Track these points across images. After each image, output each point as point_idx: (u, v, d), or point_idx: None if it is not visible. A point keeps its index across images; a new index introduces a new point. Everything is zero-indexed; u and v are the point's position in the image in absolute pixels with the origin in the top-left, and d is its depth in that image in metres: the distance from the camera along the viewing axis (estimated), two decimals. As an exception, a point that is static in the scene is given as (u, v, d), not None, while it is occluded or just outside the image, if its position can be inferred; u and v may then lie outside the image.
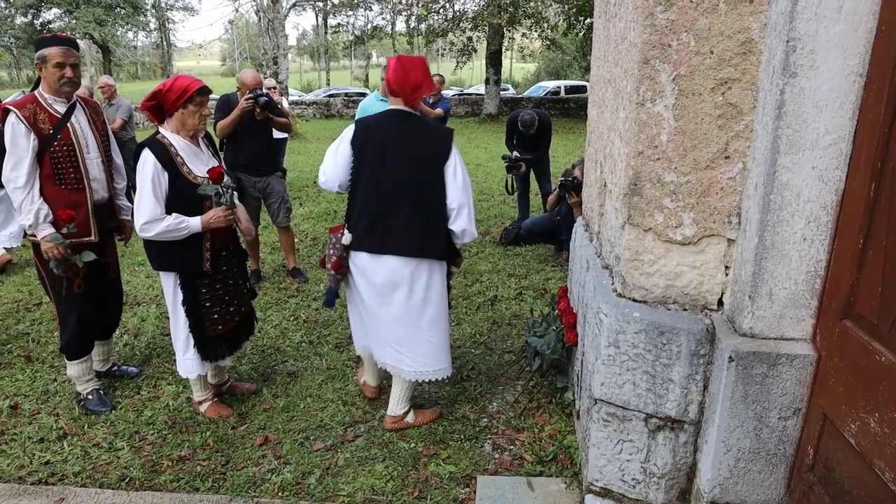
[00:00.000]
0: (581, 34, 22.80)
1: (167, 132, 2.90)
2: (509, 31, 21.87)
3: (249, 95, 4.61)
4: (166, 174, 2.81)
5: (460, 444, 2.96)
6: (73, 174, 3.06)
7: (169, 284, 2.99)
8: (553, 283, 5.11)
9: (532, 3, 20.20)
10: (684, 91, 1.88)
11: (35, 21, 38.22)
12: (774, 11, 1.73)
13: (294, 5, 23.89)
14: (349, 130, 2.88)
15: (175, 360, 3.88)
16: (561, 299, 3.13)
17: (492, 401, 3.34)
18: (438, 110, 7.18)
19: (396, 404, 3.07)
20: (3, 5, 38.21)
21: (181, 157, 2.88)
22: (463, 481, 2.69)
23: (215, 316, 3.05)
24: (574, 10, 20.59)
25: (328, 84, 44.78)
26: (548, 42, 23.47)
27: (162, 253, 2.92)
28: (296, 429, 3.11)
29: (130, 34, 48.58)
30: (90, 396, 3.33)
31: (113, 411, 3.29)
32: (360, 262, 2.85)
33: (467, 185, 2.80)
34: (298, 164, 12.02)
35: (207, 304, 3.01)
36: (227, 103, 4.83)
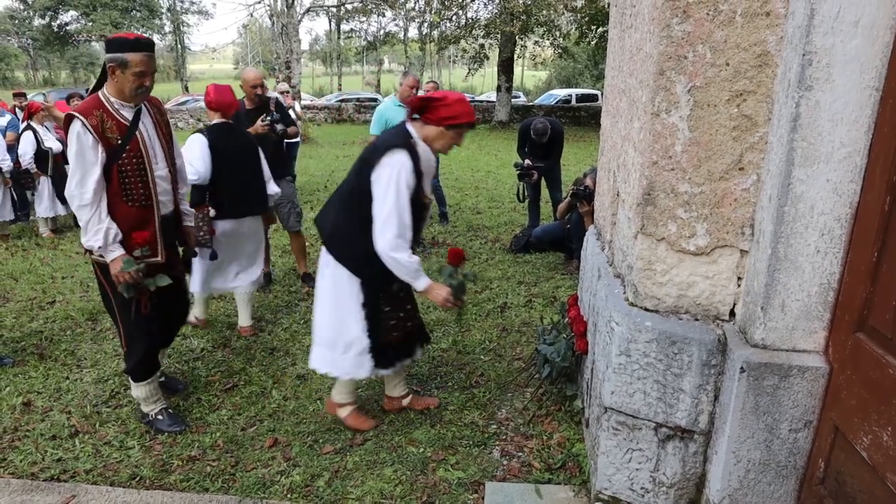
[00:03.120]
0: (593, 43, 22.83)
1: (418, 139, 2.73)
2: (521, 38, 21.93)
3: (266, 121, 4.61)
4: (413, 185, 2.66)
5: (469, 449, 2.96)
6: (142, 189, 2.81)
7: (353, 282, 2.84)
8: (563, 291, 5.11)
9: (544, 12, 20.25)
10: (699, 102, 1.90)
11: (53, 23, 38.71)
12: (791, 25, 1.74)
13: (308, 10, 24.04)
14: (203, 139, 3.86)
15: (190, 360, 3.91)
16: (571, 307, 3.14)
17: (501, 407, 3.35)
18: None
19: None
20: (21, 7, 38.72)
21: (422, 171, 2.71)
22: (471, 487, 2.69)
23: (392, 322, 2.88)
24: (586, 18, 20.63)
25: (340, 89, 44.99)
26: (559, 50, 23.52)
27: (369, 257, 2.71)
28: (305, 431, 3.12)
29: (145, 37, 49.02)
30: (160, 417, 3.13)
31: (125, 409, 3.32)
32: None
33: None
34: (310, 169, 12.10)
35: (386, 309, 2.85)
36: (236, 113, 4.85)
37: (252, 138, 4.24)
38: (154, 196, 2.87)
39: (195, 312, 4.31)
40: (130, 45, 2.70)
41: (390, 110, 5.81)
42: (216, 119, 4.02)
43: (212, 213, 3.90)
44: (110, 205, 2.76)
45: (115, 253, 2.74)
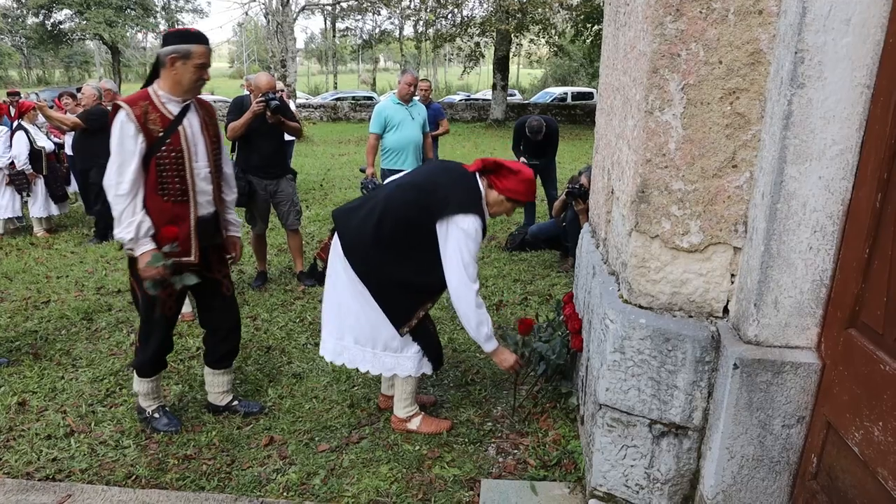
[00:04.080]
0: (588, 41, 22.86)
1: (484, 201, 2.77)
2: (517, 36, 21.95)
3: (261, 99, 4.64)
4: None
5: (464, 447, 2.97)
6: (179, 184, 2.77)
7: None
8: (558, 289, 5.12)
9: (540, 10, 20.25)
10: (693, 100, 1.90)
11: (46, 21, 38.54)
12: (783, 23, 1.75)
13: (303, 9, 23.99)
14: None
15: (185, 359, 3.92)
16: (566, 305, 3.15)
17: (496, 405, 3.36)
18: (444, 125, 7.32)
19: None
20: (14, 5, 38.53)
21: (484, 231, 2.79)
22: (467, 484, 2.70)
23: (428, 323, 2.96)
24: (581, 17, 20.67)
25: (335, 87, 44.97)
26: (555, 48, 23.55)
27: (404, 302, 2.79)
28: (301, 430, 3.13)
29: (140, 35, 49.00)
30: (156, 415, 3.12)
31: (120, 409, 3.31)
32: None
33: None
34: (305, 167, 12.09)
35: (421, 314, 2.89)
36: (239, 105, 4.87)
37: None
38: (192, 193, 2.82)
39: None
40: (195, 37, 2.75)
41: (389, 108, 5.80)
42: None
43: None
44: (145, 198, 2.73)
45: (145, 247, 2.70)
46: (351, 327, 2.88)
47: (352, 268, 2.77)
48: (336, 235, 2.87)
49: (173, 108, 2.77)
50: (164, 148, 2.72)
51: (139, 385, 3.09)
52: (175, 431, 3.09)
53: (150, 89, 2.78)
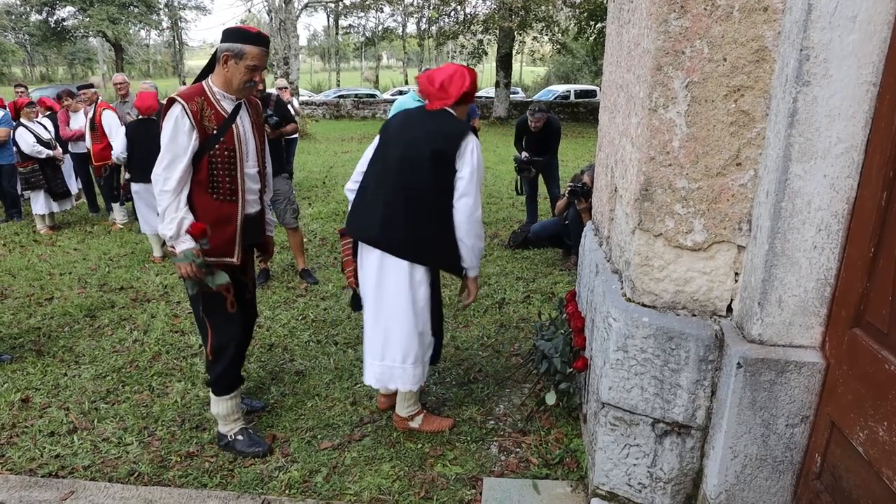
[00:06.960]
0: (591, 38, 22.79)
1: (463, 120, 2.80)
2: (520, 34, 21.89)
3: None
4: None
5: (467, 445, 2.97)
6: (229, 184, 2.71)
7: (409, 280, 2.76)
8: (561, 287, 5.11)
9: (543, 7, 20.21)
10: (697, 98, 1.89)
11: (49, 18, 38.58)
12: (788, 20, 1.74)
13: (306, 6, 23.98)
14: (123, 129, 5.66)
15: (188, 356, 3.91)
16: (569, 303, 3.14)
17: (499, 403, 3.35)
18: (477, 124, 7.35)
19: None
20: (18, 2, 38.55)
21: None
22: (469, 482, 2.70)
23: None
24: (585, 14, 20.61)
25: (338, 85, 44.95)
26: (558, 46, 23.49)
27: (443, 249, 2.73)
28: (303, 427, 3.13)
29: (143, 32, 49.05)
30: (240, 437, 2.94)
31: (123, 406, 3.32)
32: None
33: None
34: (308, 165, 12.08)
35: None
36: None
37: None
38: (241, 192, 2.76)
39: (155, 252, 6.06)
40: (252, 38, 2.65)
41: (409, 104, 5.78)
42: (140, 116, 6.01)
43: (127, 175, 6.12)
44: (195, 195, 2.67)
45: (185, 245, 2.63)
46: (392, 345, 2.86)
47: (414, 262, 2.73)
48: (361, 252, 2.83)
49: (227, 106, 2.71)
50: (217, 146, 2.65)
51: (217, 406, 2.92)
52: (261, 455, 2.90)
53: (204, 84, 2.71)
